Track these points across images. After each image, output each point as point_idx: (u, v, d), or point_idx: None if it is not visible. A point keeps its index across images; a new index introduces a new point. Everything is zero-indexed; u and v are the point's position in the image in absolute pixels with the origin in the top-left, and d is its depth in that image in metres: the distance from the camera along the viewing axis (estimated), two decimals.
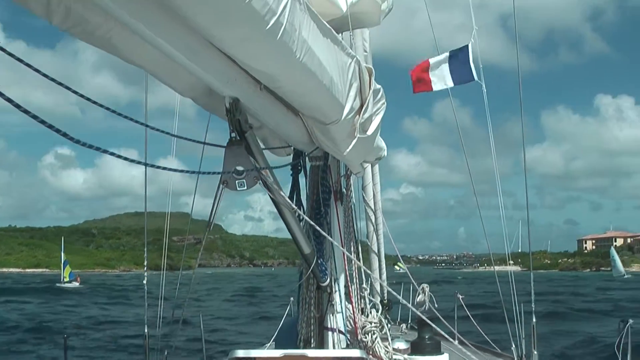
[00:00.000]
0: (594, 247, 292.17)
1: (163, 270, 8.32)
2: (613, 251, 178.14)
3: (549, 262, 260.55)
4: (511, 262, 10.95)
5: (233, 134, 4.70)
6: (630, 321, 8.27)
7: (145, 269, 8.67)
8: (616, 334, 8.39)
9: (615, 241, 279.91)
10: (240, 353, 5.64)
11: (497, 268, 10.64)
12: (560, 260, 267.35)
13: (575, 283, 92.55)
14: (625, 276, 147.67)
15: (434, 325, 7.23)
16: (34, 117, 2.74)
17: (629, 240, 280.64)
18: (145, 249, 8.80)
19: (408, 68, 12.77)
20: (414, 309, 7.60)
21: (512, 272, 9.68)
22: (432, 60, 12.41)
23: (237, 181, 4.68)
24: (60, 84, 3.39)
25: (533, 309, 8.87)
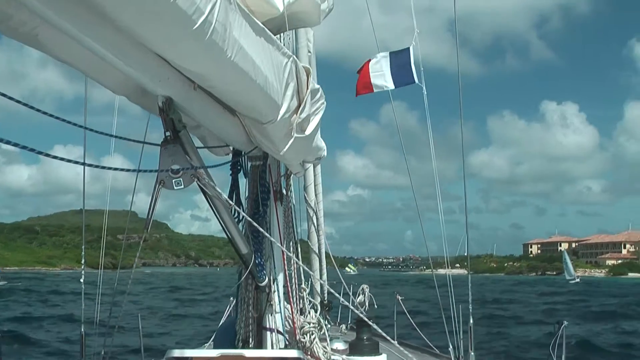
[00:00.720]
0: (539, 251, 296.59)
1: (100, 268, 8.22)
2: (565, 255, 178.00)
3: (495, 265, 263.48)
4: (457, 265, 11.14)
5: (167, 133, 4.66)
6: (565, 322, 8.44)
7: (83, 267, 8.56)
8: (551, 336, 8.55)
9: (560, 245, 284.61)
10: (176, 353, 5.61)
11: (441, 271, 10.75)
12: (506, 264, 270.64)
13: (520, 288, 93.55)
14: (576, 280, 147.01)
15: (373, 326, 7.26)
16: None
17: (573, 245, 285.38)
18: (83, 247, 8.72)
19: (356, 70, 12.82)
20: (353, 308, 7.63)
21: (450, 275, 9.79)
22: (372, 61, 12.48)
23: (173, 180, 4.66)
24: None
25: (470, 311, 8.98)
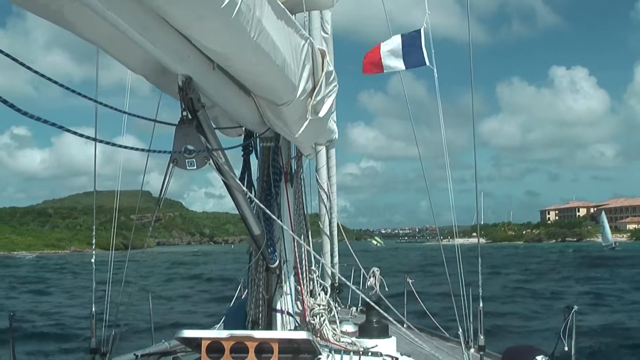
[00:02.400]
0: (557, 217, 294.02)
1: (112, 248, 8.22)
2: (604, 218, 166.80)
3: (513, 233, 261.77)
4: (474, 234, 11.08)
5: (185, 113, 4.65)
6: (575, 307, 8.41)
7: (94, 247, 8.57)
8: (561, 321, 8.52)
9: (579, 211, 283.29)
10: (186, 333, 5.61)
11: (460, 241, 10.69)
12: (524, 232, 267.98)
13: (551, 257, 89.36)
14: (613, 246, 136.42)
15: (381, 310, 7.27)
16: None
17: (591, 210, 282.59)
18: (94, 227, 8.69)
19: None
20: (361, 293, 7.62)
21: (459, 246, 9.78)
22: (383, 44, 12.44)
23: (187, 160, 4.65)
24: (14, 59, 3.32)
25: (480, 294, 8.96)
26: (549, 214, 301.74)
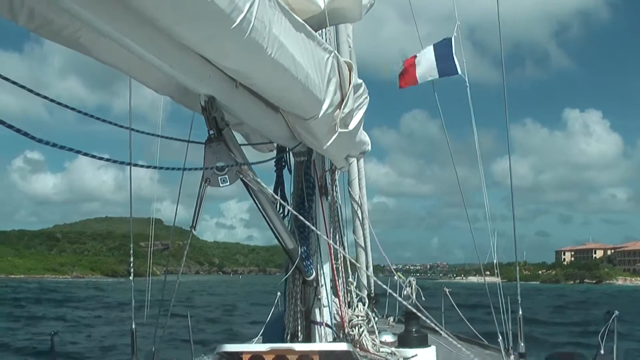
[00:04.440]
0: (572, 258, 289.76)
1: (149, 270, 8.30)
2: None
3: (528, 273, 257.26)
4: (487, 272, 11.02)
5: (211, 132, 4.72)
6: (616, 312, 8.33)
7: (131, 263, 8.61)
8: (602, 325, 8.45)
9: (595, 253, 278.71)
10: (228, 347, 5.67)
11: (472, 279, 10.69)
12: (540, 272, 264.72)
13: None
14: None
15: (421, 318, 7.27)
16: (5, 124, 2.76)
17: (608, 252, 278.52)
18: (132, 245, 8.70)
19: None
20: (401, 301, 7.62)
21: (473, 285, 9.77)
22: (418, 55, 12.43)
23: (219, 177, 4.72)
24: (30, 90, 3.41)
25: (519, 301, 8.92)
26: (564, 254, 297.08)
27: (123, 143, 7.31)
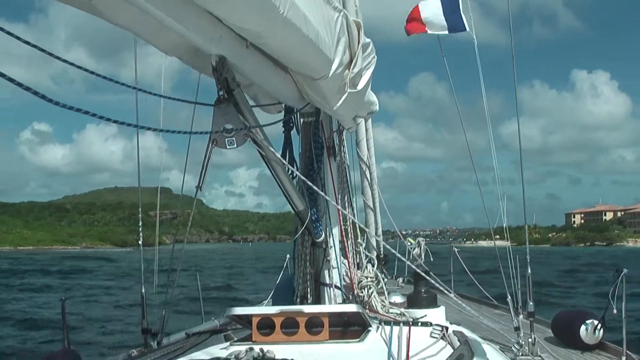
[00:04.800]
0: (582, 221, 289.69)
1: (157, 238, 8.25)
2: None
3: (539, 236, 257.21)
4: (497, 236, 10.98)
5: (221, 93, 4.66)
6: (625, 270, 8.32)
7: (140, 230, 8.59)
8: (611, 283, 8.45)
9: (605, 215, 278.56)
10: (237, 310, 5.66)
11: (482, 243, 10.68)
12: (550, 235, 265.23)
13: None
14: None
15: (430, 279, 7.25)
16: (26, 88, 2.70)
17: (619, 214, 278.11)
18: (140, 211, 8.68)
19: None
20: (409, 263, 7.61)
21: (483, 249, 9.80)
22: (421, 4, 12.24)
23: (226, 139, 4.67)
24: (42, 50, 3.36)
25: (528, 260, 8.89)
26: (574, 217, 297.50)
27: (131, 113, 7.21)
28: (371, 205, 12.21)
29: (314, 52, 4.89)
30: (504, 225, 10.89)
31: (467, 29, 11.56)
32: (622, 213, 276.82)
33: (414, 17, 12.35)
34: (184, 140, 4.84)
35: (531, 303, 8.75)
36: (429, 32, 12.27)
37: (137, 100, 7.26)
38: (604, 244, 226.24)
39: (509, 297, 9.16)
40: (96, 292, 43.55)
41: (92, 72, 3.95)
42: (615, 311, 8.26)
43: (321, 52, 4.96)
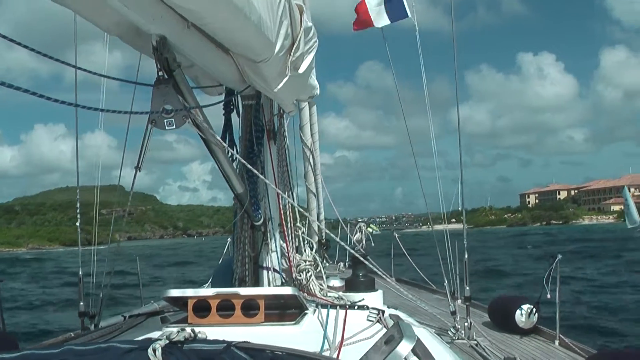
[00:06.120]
0: (537, 201, 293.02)
1: (95, 222, 8.19)
2: (627, 193, 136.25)
3: (494, 217, 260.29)
4: (453, 220, 11.14)
5: (160, 73, 4.62)
6: (559, 256, 8.53)
7: (78, 208, 8.49)
8: (546, 269, 8.66)
9: (559, 194, 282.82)
10: (173, 292, 5.63)
11: (438, 227, 10.81)
12: (506, 216, 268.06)
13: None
14: None
15: (368, 263, 7.31)
16: None
17: (572, 192, 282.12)
18: (78, 206, 8.59)
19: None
20: (345, 246, 7.66)
21: (438, 232, 9.99)
22: None
23: (165, 120, 4.63)
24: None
25: (465, 245, 9.04)
26: (528, 197, 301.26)
27: (82, 113, 7.12)
28: (313, 190, 12.24)
29: (256, 35, 4.87)
30: (446, 210, 11.05)
31: (409, 15, 11.67)
32: (576, 191, 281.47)
33: (361, 10, 12.45)
34: (136, 136, 4.81)
35: (467, 287, 8.91)
36: (375, 26, 12.40)
37: (76, 78, 7.17)
38: (560, 222, 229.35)
39: (446, 282, 9.31)
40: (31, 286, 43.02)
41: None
42: (549, 296, 8.48)
43: (263, 35, 4.94)
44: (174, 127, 4.65)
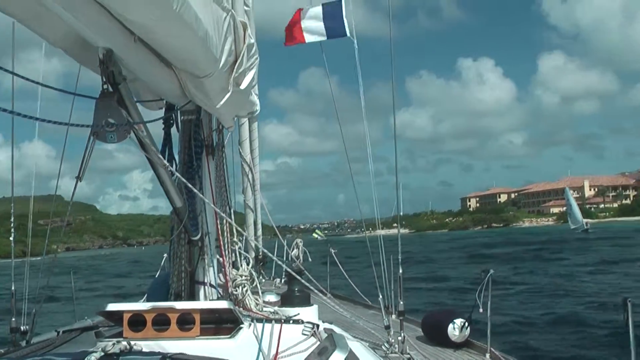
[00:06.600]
0: (478, 204, 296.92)
1: (29, 237, 8.08)
2: (569, 194, 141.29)
3: (436, 222, 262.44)
4: (394, 225, 11.25)
5: (105, 86, 4.61)
6: (491, 271, 8.74)
7: (12, 220, 8.37)
8: (479, 283, 8.85)
9: (500, 197, 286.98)
10: (109, 307, 5.60)
11: (383, 232, 10.92)
12: (447, 220, 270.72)
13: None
14: (585, 228, 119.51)
15: (302, 279, 7.39)
16: None
17: (512, 195, 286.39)
18: (12, 219, 8.47)
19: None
20: (279, 261, 7.74)
21: (381, 236, 10.07)
22: (304, 11, 12.41)
23: (108, 134, 4.62)
24: None
25: (399, 261, 9.18)
26: (469, 201, 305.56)
27: (19, 121, 7.05)
28: (251, 206, 12.25)
29: (201, 50, 4.92)
30: (400, 213, 11.16)
31: (348, 34, 11.80)
32: (516, 194, 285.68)
33: (295, 22, 12.50)
34: (80, 145, 4.78)
35: (401, 302, 9.04)
36: (307, 41, 12.45)
37: (13, 85, 7.11)
38: (501, 225, 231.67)
39: (380, 297, 9.43)
40: None
41: None
42: (481, 310, 8.67)
43: (209, 51, 4.99)
44: (116, 141, 4.64)
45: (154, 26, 4.22)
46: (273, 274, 13.81)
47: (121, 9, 3.87)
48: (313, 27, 12.15)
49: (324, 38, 12.19)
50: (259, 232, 12.71)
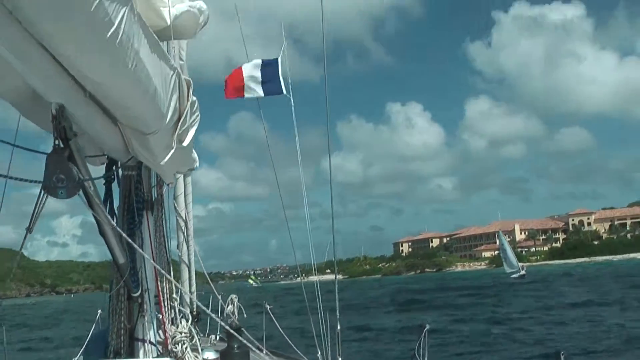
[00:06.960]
0: (410, 249, 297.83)
1: None
2: (503, 239, 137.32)
3: (369, 267, 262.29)
4: (327, 270, 11.32)
5: (57, 142, 4.62)
6: (427, 326, 8.86)
7: None
8: (415, 333, 8.96)
9: (432, 242, 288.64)
10: None
11: (312, 278, 10.97)
12: (380, 265, 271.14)
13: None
14: (521, 273, 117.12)
15: (239, 336, 7.38)
16: None
17: (444, 240, 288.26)
18: None
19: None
20: (216, 319, 7.73)
21: (318, 282, 10.10)
22: (245, 67, 12.62)
23: (58, 190, 4.62)
24: None
25: (338, 317, 9.24)
26: (402, 245, 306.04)
27: None
28: (186, 261, 12.18)
29: (150, 107, 4.98)
30: (335, 259, 11.23)
31: (284, 92, 12.02)
32: (448, 239, 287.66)
33: (236, 77, 12.68)
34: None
35: (340, 358, 9.07)
36: (246, 96, 12.66)
37: None
38: (434, 270, 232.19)
39: (319, 352, 9.45)
40: None
41: None
42: None
43: (156, 108, 5.06)
44: (66, 197, 4.64)
45: (110, 83, 4.29)
46: (208, 330, 13.66)
47: (80, 66, 3.93)
48: (251, 85, 12.42)
49: (262, 94, 12.43)
50: (194, 288, 12.60)
